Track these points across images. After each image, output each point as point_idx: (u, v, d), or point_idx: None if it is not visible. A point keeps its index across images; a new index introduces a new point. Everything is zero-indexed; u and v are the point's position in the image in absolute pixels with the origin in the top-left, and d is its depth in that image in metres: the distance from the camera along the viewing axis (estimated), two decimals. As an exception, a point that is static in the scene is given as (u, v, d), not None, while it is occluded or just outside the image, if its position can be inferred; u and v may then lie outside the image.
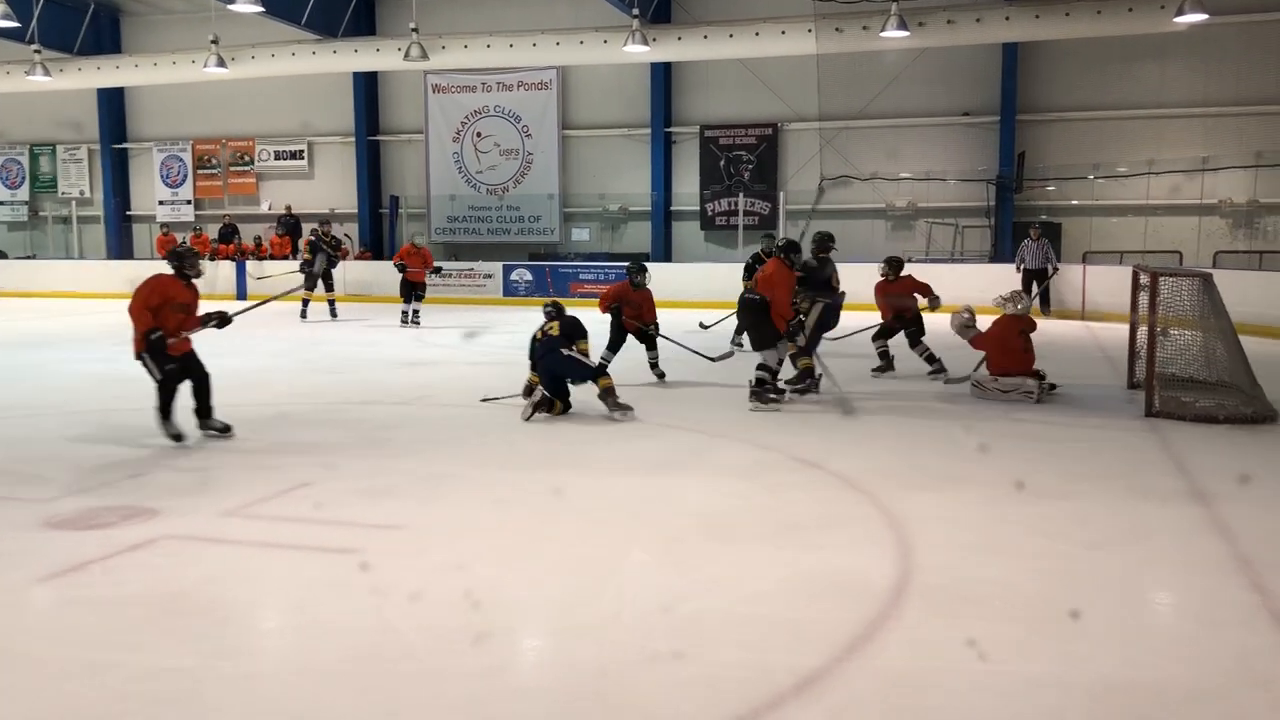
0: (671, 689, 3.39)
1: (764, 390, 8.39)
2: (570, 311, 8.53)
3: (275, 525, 5.31)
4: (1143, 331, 8.68)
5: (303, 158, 23.94)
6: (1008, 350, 8.92)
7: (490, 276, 20.42)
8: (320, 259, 17.02)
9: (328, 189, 23.78)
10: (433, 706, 3.27)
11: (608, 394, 8.04)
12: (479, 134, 22.61)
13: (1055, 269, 16.09)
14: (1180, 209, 18.50)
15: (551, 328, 8.25)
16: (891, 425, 7.93)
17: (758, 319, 8.51)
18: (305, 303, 16.82)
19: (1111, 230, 19.15)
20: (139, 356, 6.96)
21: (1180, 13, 14.83)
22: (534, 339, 8.30)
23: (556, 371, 8.09)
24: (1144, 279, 8.79)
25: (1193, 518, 5.33)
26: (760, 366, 8.46)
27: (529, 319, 13.81)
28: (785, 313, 8.43)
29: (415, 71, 21.54)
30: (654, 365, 9.99)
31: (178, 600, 4.17)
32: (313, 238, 17.69)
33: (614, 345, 9.87)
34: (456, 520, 5.40)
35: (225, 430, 7.21)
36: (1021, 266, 16.09)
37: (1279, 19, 17.30)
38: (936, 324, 10.12)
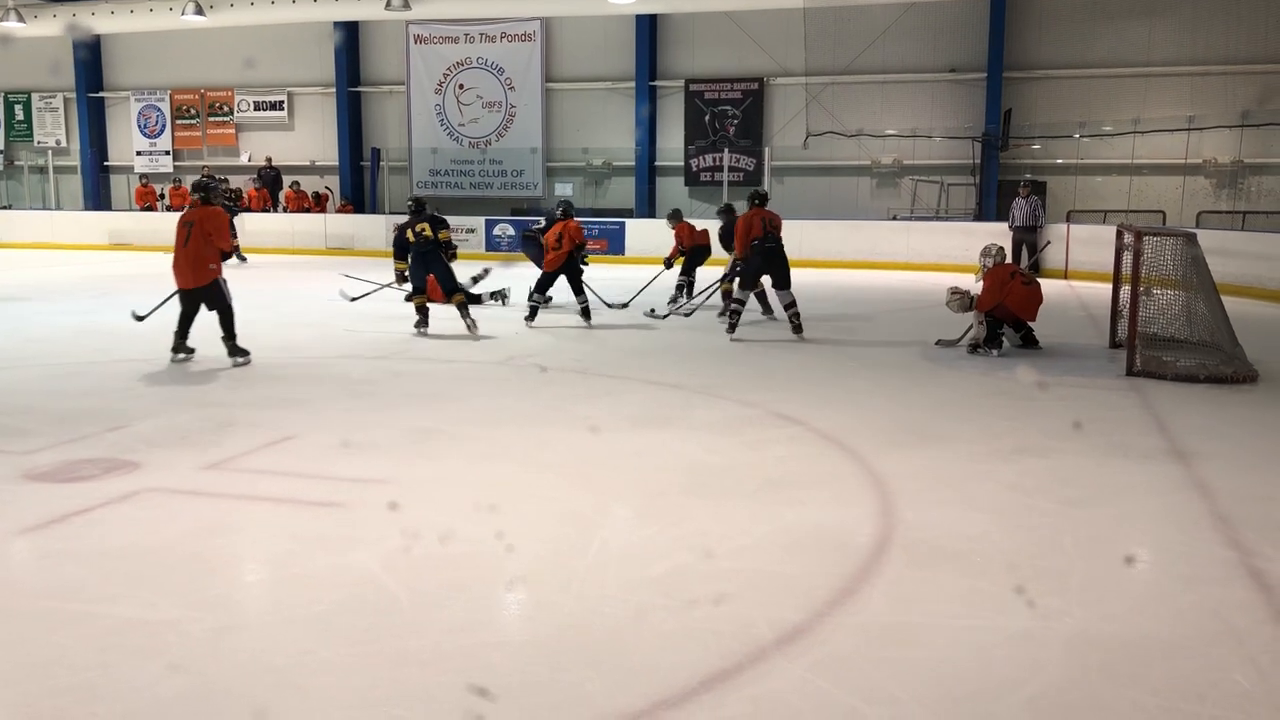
0: (655, 643, 3.41)
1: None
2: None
3: (257, 478, 5.30)
4: (1125, 290, 8.71)
5: (283, 109, 23.61)
6: (1011, 296, 8.96)
7: (472, 231, 20.25)
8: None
9: (308, 140, 23.49)
10: (415, 659, 3.27)
11: (464, 309, 9.64)
12: (461, 86, 22.33)
13: (1040, 227, 16.10)
14: (1165, 168, 18.49)
15: (423, 228, 9.56)
16: (874, 382, 7.95)
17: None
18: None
19: (1096, 189, 19.14)
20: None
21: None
22: (404, 237, 9.79)
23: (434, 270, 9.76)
24: (1128, 238, 8.81)
25: (1172, 476, 5.38)
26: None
27: (514, 275, 13.79)
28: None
29: (397, 22, 21.20)
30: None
31: (160, 553, 4.16)
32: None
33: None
34: (438, 475, 5.39)
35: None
36: (1012, 225, 16.08)
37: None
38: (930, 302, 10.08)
